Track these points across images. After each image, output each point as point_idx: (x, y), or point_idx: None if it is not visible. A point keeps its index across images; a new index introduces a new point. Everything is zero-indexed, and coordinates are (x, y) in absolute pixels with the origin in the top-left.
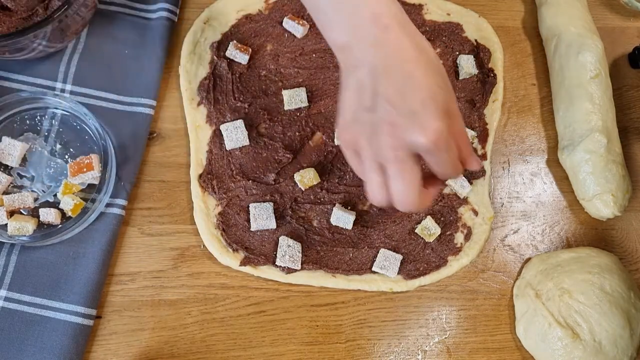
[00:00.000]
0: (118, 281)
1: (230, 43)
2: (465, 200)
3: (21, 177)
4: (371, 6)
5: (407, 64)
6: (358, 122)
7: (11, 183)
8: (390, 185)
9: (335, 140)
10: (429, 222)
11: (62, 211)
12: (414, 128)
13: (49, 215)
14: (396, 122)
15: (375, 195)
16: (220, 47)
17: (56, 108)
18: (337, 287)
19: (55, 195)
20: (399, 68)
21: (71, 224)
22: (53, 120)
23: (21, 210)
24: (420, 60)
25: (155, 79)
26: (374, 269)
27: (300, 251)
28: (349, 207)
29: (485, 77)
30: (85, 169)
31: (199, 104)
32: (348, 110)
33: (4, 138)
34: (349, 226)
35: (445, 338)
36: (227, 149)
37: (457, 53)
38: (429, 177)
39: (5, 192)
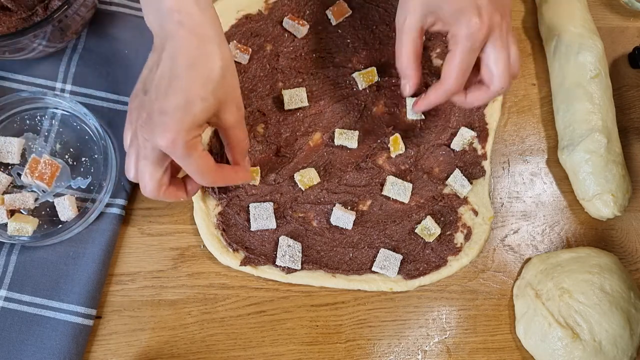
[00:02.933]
0: (118, 281)
1: (230, 43)
2: (465, 200)
3: (21, 177)
4: (168, 1)
5: (180, 62)
6: (137, 98)
7: (11, 183)
8: (138, 166)
9: (335, 140)
10: (429, 222)
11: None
12: (158, 128)
13: (63, 204)
14: (152, 114)
15: (127, 169)
16: None
17: (56, 108)
18: (337, 287)
19: (55, 195)
20: (175, 64)
21: (71, 224)
22: (53, 120)
23: (21, 210)
24: (196, 64)
25: None
26: (374, 268)
27: (300, 251)
28: (349, 207)
29: None
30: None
31: None
32: (139, 82)
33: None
34: (349, 226)
35: (445, 338)
36: None
37: None
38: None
39: (5, 192)
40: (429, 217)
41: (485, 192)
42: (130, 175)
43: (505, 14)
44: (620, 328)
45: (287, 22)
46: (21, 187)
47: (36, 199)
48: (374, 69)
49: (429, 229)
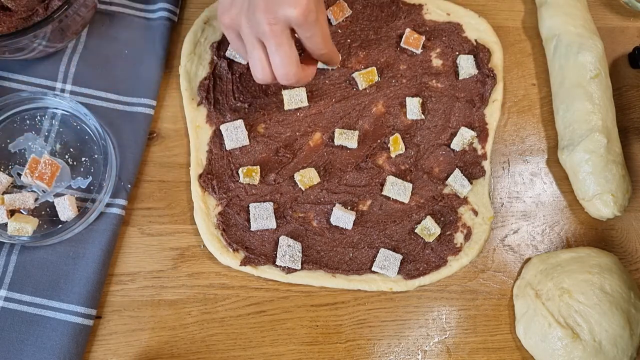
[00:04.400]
0: (118, 281)
1: None
2: (465, 200)
3: (21, 177)
4: None
5: None
6: (236, 3)
7: (11, 183)
8: (271, 59)
9: (335, 140)
10: (428, 222)
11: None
12: (286, 2)
13: (63, 204)
14: None
15: (258, 71)
16: (220, 47)
17: (56, 108)
18: (337, 287)
19: (55, 195)
20: None
21: (71, 224)
22: (53, 120)
23: (21, 210)
24: None
25: (155, 79)
26: (374, 268)
27: (301, 251)
28: (349, 207)
29: (485, 77)
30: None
31: (199, 104)
32: None
33: None
34: (349, 226)
35: (445, 338)
36: (227, 149)
37: (457, 53)
38: (306, 58)
39: (5, 192)
40: (429, 217)
41: (485, 192)
42: (260, 75)
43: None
44: (620, 328)
45: None
46: (21, 187)
47: (36, 199)
48: (374, 69)
49: (429, 229)
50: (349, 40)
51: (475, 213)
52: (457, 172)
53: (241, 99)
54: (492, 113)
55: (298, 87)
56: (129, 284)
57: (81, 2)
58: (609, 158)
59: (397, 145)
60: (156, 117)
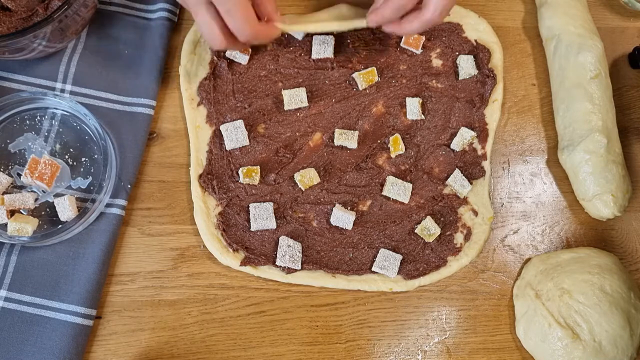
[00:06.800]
0: (118, 281)
1: None
2: (465, 201)
3: (21, 177)
4: None
5: None
6: None
7: (11, 183)
8: (227, 22)
9: (335, 140)
10: (428, 222)
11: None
12: None
13: (63, 204)
14: None
15: (209, 35)
16: None
17: (56, 108)
18: (337, 287)
19: (55, 195)
20: None
21: (71, 224)
22: (53, 120)
23: (21, 210)
24: None
25: (155, 79)
26: (373, 269)
27: (301, 251)
28: (349, 207)
29: (485, 78)
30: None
31: (199, 104)
32: None
33: None
34: (349, 226)
35: (445, 338)
36: (227, 149)
37: (457, 53)
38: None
39: (5, 192)
40: (428, 217)
41: (485, 192)
42: (217, 42)
43: None
44: (620, 328)
45: None
46: (21, 187)
47: (36, 199)
48: (374, 69)
49: (428, 229)
50: (348, 40)
51: (475, 213)
52: (457, 172)
53: (241, 99)
54: (492, 113)
55: (258, 44)
56: (129, 284)
57: (81, 2)
58: (609, 158)
59: (397, 146)
60: (156, 117)
